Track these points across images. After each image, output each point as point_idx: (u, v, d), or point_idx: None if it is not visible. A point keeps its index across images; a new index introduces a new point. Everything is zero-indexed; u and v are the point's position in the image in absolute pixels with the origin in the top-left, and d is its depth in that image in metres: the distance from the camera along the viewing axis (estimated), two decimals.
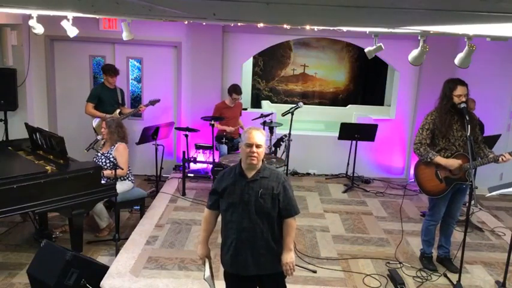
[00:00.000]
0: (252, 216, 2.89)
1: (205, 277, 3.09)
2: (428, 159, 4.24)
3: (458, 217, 4.61)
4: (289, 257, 2.99)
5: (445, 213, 4.47)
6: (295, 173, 7.50)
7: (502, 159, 4.10)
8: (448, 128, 4.21)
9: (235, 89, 6.74)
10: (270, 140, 6.62)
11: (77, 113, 6.96)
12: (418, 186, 4.43)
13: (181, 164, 6.56)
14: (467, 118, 4.09)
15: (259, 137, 2.91)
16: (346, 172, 7.41)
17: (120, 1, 2.59)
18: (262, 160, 2.98)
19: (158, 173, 6.67)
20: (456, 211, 4.50)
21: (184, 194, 6.34)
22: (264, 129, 6.64)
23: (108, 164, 5.04)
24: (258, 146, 2.88)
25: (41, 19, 5.21)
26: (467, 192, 4.34)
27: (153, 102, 6.52)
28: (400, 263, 4.64)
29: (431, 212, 4.52)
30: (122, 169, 4.91)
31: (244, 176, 2.94)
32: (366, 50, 5.43)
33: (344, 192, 6.82)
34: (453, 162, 4.20)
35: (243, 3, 2.20)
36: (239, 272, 3.00)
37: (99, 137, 5.29)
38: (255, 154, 2.87)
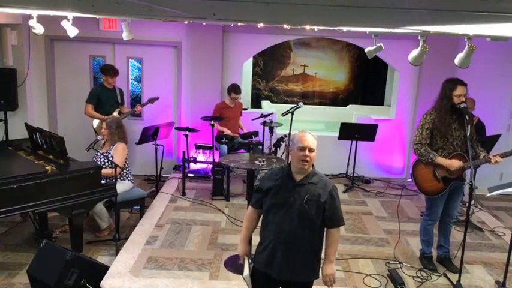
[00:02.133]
0: (293, 221, 2.83)
1: (244, 275, 3.04)
2: (430, 160, 4.24)
3: (456, 216, 4.61)
4: (329, 269, 2.95)
5: (442, 212, 4.47)
6: None
7: (495, 160, 4.11)
8: (447, 127, 4.22)
9: (234, 89, 6.75)
10: (270, 140, 6.62)
11: (77, 113, 6.96)
12: (416, 186, 4.43)
13: (181, 164, 6.56)
14: (467, 118, 4.10)
15: (312, 140, 2.87)
16: (346, 172, 7.40)
17: (120, 1, 2.59)
18: (312, 165, 2.94)
19: (158, 173, 6.67)
20: (453, 210, 4.50)
21: (184, 194, 6.34)
22: (263, 129, 6.65)
23: (107, 164, 5.04)
24: (311, 150, 2.85)
25: (41, 19, 5.20)
26: (466, 192, 4.34)
27: (152, 100, 6.52)
28: (400, 263, 4.64)
29: (428, 212, 4.52)
30: (119, 167, 4.90)
31: (292, 179, 2.89)
32: (366, 50, 5.43)
33: (344, 192, 6.82)
34: (454, 163, 4.20)
35: (243, 3, 2.20)
36: (271, 274, 2.92)
37: (99, 137, 5.29)
38: (308, 158, 2.83)
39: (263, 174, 3.09)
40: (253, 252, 3.11)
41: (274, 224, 2.88)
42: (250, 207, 3.10)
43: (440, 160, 4.23)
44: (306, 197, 2.82)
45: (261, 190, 2.97)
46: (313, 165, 2.95)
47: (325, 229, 2.96)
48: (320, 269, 3.01)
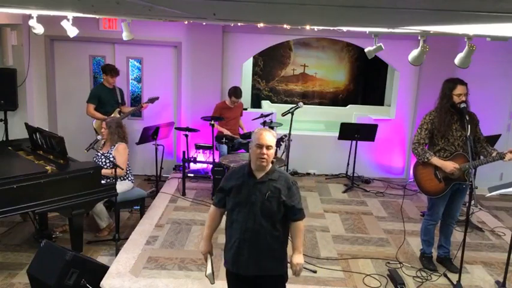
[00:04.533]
0: (257, 218, 2.88)
1: (207, 274, 3.10)
2: (425, 160, 4.25)
3: (458, 217, 4.61)
4: (298, 258, 2.99)
5: (444, 213, 4.47)
6: (295, 173, 7.50)
7: (509, 156, 4.02)
8: (447, 127, 4.21)
9: (235, 92, 6.74)
10: None
11: (77, 113, 6.96)
12: (417, 186, 4.43)
13: (181, 164, 6.57)
14: (467, 118, 4.09)
15: (270, 138, 2.89)
16: (346, 172, 7.41)
17: (120, 1, 2.59)
18: (272, 162, 2.97)
19: (158, 173, 6.67)
20: (456, 211, 4.50)
21: (184, 194, 6.34)
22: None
23: (108, 164, 5.04)
24: (268, 148, 2.87)
25: (41, 19, 5.20)
26: (467, 192, 4.34)
27: (152, 100, 6.52)
28: (400, 263, 4.64)
29: (430, 212, 4.52)
30: (122, 169, 4.91)
31: (253, 177, 2.93)
32: (366, 50, 5.44)
33: (344, 192, 6.82)
34: (449, 165, 4.19)
35: (243, 3, 2.20)
36: (240, 272, 3.00)
37: (99, 137, 5.30)
38: (265, 156, 2.86)
39: (226, 175, 3.12)
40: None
41: (238, 223, 2.93)
42: (212, 206, 3.14)
43: (436, 161, 4.23)
44: (268, 194, 2.87)
45: (223, 190, 3.02)
46: (273, 162, 2.98)
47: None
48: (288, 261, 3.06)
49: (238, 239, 2.94)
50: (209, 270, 3.10)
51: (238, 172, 3.01)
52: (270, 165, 2.95)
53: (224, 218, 3.13)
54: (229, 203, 2.98)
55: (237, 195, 2.93)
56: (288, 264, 3.08)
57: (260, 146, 2.87)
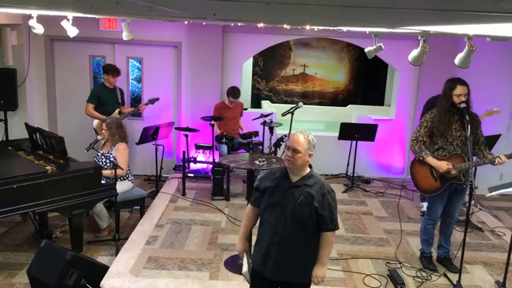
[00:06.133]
0: (287, 222, 2.82)
1: (243, 272, 3.06)
2: (421, 158, 4.27)
3: (457, 217, 4.61)
4: (320, 271, 2.93)
5: (443, 213, 4.48)
6: None
7: (498, 161, 4.13)
8: (447, 127, 4.22)
9: (233, 92, 6.74)
10: (270, 140, 6.62)
11: (77, 113, 6.96)
12: (414, 184, 4.44)
13: (181, 164, 6.56)
14: (467, 118, 4.10)
15: (299, 141, 2.83)
16: (346, 172, 7.41)
17: (120, 1, 2.59)
18: (310, 166, 2.92)
19: (158, 173, 6.67)
20: (454, 211, 4.50)
21: (184, 194, 6.34)
22: (263, 129, 6.65)
23: (108, 164, 5.04)
24: (295, 151, 2.81)
25: (41, 19, 5.20)
26: (467, 192, 4.34)
27: (152, 101, 6.52)
28: (400, 263, 4.64)
29: (428, 211, 4.54)
30: (122, 169, 4.91)
31: (289, 180, 2.88)
32: (366, 50, 5.43)
33: (344, 192, 6.82)
34: (443, 165, 4.20)
35: (243, 3, 2.20)
36: (265, 273, 2.93)
37: (99, 137, 5.29)
38: (291, 159, 2.81)
39: (263, 174, 3.09)
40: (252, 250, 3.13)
41: (269, 224, 2.89)
42: (249, 205, 3.12)
43: (430, 160, 4.24)
44: (300, 199, 2.81)
45: (259, 189, 2.99)
46: (311, 167, 2.93)
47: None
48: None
49: (267, 241, 2.89)
50: (245, 268, 3.06)
51: (275, 173, 2.96)
52: (308, 169, 2.91)
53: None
54: (263, 204, 2.94)
55: (270, 196, 2.89)
56: None
57: (288, 148, 2.86)
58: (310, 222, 2.84)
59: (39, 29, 5.31)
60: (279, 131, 6.96)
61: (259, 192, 2.98)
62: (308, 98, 10.87)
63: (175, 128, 6.98)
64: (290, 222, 2.82)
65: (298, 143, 2.82)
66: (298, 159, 2.82)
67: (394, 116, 7.60)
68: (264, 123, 6.61)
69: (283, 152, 6.43)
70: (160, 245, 4.85)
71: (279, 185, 2.89)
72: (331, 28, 5.33)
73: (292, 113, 5.99)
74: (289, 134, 5.96)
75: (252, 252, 3.07)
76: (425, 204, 6.02)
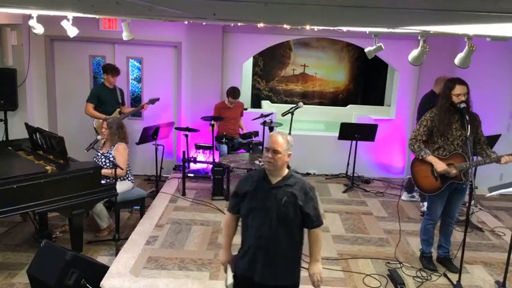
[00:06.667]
0: (273, 224, 2.78)
1: (227, 284, 2.96)
2: (420, 157, 4.27)
3: (457, 217, 4.61)
4: (316, 268, 2.91)
5: (443, 213, 4.48)
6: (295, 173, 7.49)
7: (505, 160, 4.09)
8: (447, 126, 4.22)
9: (233, 93, 6.74)
10: None
11: (77, 113, 6.96)
12: (414, 183, 4.44)
13: (181, 164, 6.56)
14: (467, 118, 4.10)
15: (278, 142, 2.80)
16: (346, 172, 7.41)
17: (120, 1, 2.59)
18: (289, 167, 2.90)
19: (158, 173, 6.67)
20: (454, 211, 4.50)
21: (184, 194, 6.34)
22: (263, 129, 6.65)
23: (108, 164, 5.04)
24: (275, 152, 2.78)
25: (41, 19, 5.20)
26: (467, 192, 4.34)
27: (152, 101, 6.52)
28: (400, 263, 4.64)
29: (428, 211, 4.55)
30: (122, 169, 4.91)
31: (268, 182, 2.85)
32: (366, 50, 5.44)
33: (344, 192, 6.82)
34: (441, 165, 4.20)
35: (243, 3, 2.20)
36: (254, 278, 2.87)
37: (99, 137, 5.29)
38: (271, 160, 2.78)
39: (240, 179, 3.04)
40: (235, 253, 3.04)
41: (253, 228, 2.84)
42: (227, 213, 3.04)
43: (431, 158, 4.24)
44: (284, 200, 2.78)
45: (238, 195, 2.93)
46: (289, 167, 2.91)
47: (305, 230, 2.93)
48: (306, 269, 2.99)
49: (252, 245, 2.85)
50: (230, 281, 2.97)
51: (253, 176, 2.92)
52: (286, 170, 2.89)
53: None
54: (244, 208, 2.89)
55: (251, 200, 2.85)
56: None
57: (267, 150, 2.81)
58: (295, 222, 2.83)
59: (39, 29, 5.31)
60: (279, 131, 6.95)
61: (239, 198, 2.93)
62: (308, 98, 10.87)
63: (175, 128, 6.98)
64: (275, 224, 2.79)
65: (278, 144, 2.80)
66: (278, 160, 2.80)
67: (394, 116, 7.60)
68: (264, 123, 6.61)
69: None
70: (160, 245, 4.85)
71: (259, 187, 2.84)
72: (331, 28, 5.33)
73: (292, 113, 5.99)
74: (289, 134, 5.94)
75: (236, 260, 3.00)
76: (425, 204, 6.03)
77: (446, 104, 4.22)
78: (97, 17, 6.24)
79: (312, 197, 2.87)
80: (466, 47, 4.24)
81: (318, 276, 2.92)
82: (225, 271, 3.05)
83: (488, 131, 5.91)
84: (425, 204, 6.08)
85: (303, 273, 4.28)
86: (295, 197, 2.80)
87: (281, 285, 2.91)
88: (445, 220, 4.54)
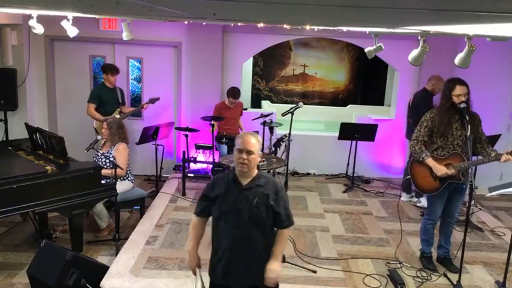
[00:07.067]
0: (246, 226, 2.75)
1: None
2: (421, 159, 4.27)
3: (457, 217, 4.61)
4: (275, 266, 2.84)
5: (443, 213, 4.48)
6: (295, 173, 7.50)
7: (505, 158, 4.08)
8: (447, 126, 4.22)
9: (233, 93, 6.74)
10: (270, 140, 6.62)
11: (77, 113, 6.96)
12: (413, 183, 4.44)
13: (181, 164, 6.57)
14: (467, 118, 4.10)
15: (251, 143, 2.76)
16: (346, 172, 7.41)
17: (120, 1, 2.59)
18: (258, 167, 2.87)
19: (158, 173, 6.67)
20: (454, 211, 4.50)
21: (184, 194, 6.34)
22: (264, 129, 6.65)
23: (108, 164, 5.04)
24: (249, 153, 2.74)
25: (41, 19, 5.20)
26: (466, 192, 4.34)
27: (152, 101, 6.52)
28: (400, 263, 4.64)
29: (428, 211, 4.55)
30: (122, 169, 4.91)
31: (238, 183, 2.80)
32: (366, 50, 5.43)
33: (344, 192, 6.82)
34: (441, 169, 4.20)
35: (243, 3, 2.20)
36: (231, 284, 2.86)
37: (99, 137, 5.29)
38: (245, 161, 2.73)
39: (209, 182, 2.99)
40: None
41: (225, 232, 2.80)
42: (195, 216, 2.98)
43: (430, 162, 4.24)
44: (255, 200, 2.75)
45: (208, 198, 2.88)
46: (258, 167, 2.88)
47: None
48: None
49: (227, 250, 2.81)
50: (199, 286, 2.94)
51: (223, 179, 2.88)
52: (256, 171, 2.85)
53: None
54: (215, 212, 2.85)
55: (222, 203, 2.80)
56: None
57: (240, 151, 2.75)
58: (268, 222, 2.81)
59: (39, 29, 5.31)
60: (279, 131, 6.95)
61: (208, 202, 2.88)
62: (308, 98, 10.86)
63: (175, 128, 6.98)
64: (248, 226, 2.76)
65: (251, 145, 2.76)
66: (253, 161, 2.77)
67: (394, 116, 7.60)
68: (264, 123, 6.61)
69: (283, 151, 6.44)
70: (160, 245, 4.85)
71: (229, 190, 2.80)
72: (331, 28, 5.33)
73: (292, 113, 5.98)
74: (289, 134, 5.95)
75: (209, 266, 2.95)
76: (422, 200, 6.04)
77: (446, 105, 4.22)
78: (97, 17, 6.24)
79: (283, 196, 2.85)
80: (466, 47, 4.24)
81: (273, 273, 2.84)
82: (194, 275, 3.00)
83: (489, 131, 5.90)
84: (421, 200, 6.11)
85: (302, 273, 4.30)
86: (266, 197, 2.78)
87: (257, 285, 2.88)
88: (445, 220, 4.54)
